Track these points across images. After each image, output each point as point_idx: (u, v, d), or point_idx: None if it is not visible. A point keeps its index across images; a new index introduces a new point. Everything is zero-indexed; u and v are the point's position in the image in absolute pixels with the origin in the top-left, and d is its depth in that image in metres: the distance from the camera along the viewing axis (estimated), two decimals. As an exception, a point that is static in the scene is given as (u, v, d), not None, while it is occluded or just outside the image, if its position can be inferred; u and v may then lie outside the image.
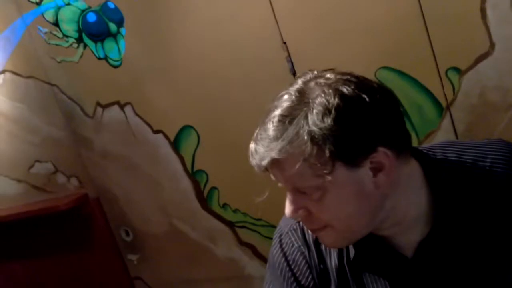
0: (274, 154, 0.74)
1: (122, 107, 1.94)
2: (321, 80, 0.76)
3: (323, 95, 0.74)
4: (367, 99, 0.74)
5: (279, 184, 0.80)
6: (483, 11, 1.33)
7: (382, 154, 0.75)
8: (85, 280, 2.28)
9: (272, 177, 0.79)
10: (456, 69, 1.41)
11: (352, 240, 0.83)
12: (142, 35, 1.81)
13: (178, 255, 2.06)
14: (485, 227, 0.80)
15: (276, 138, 0.74)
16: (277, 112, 0.76)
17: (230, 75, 1.71)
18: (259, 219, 1.85)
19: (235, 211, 1.89)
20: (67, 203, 2.07)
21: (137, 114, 1.92)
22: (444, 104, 1.45)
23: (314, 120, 0.73)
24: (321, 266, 0.89)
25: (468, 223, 0.80)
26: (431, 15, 1.38)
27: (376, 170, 0.76)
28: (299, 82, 0.78)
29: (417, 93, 1.46)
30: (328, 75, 0.78)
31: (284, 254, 0.92)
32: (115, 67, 1.89)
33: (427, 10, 1.38)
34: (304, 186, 0.76)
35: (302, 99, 0.75)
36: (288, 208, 0.80)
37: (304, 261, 0.90)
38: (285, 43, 1.59)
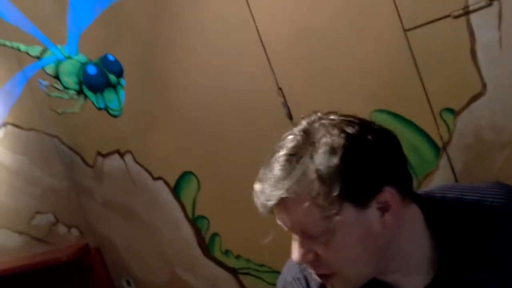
0: (281, 193, 0.73)
1: (122, 155, 1.95)
2: (326, 121, 0.77)
3: (328, 135, 0.75)
4: (372, 140, 0.75)
5: (285, 228, 0.78)
6: (473, 52, 1.36)
7: (389, 194, 0.75)
8: (87, 333, 2.23)
9: (277, 221, 0.78)
10: (451, 110, 1.42)
11: (358, 285, 0.82)
12: (141, 85, 1.84)
13: (181, 304, 2.03)
14: (490, 268, 0.80)
15: (283, 177, 0.74)
16: (283, 151, 0.76)
17: (228, 121, 1.73)
18: (262, 265, 1.83)
19: (238, 257, 1.86)
20: (68, 255, 2.04)
21: (137, 162, 1.93)
22: (440, 144, 1.46)
23: (321, 159, 0.73)
24: (325, 315, 0.87)
25: (472, 265, 0.80)
26: (421, 57, 1.41)
27: (383, 210, 0.76)
28: (304, 123, 0.79)
29: (412, 135, 1.47)
30: (332, 116, 0.79)
31: (288, 304, 0.90)
32: (115, 116, 1.91)
33: (417, 52, 1.41)
34: (312, 229, 0.75)
35: (308, 139, 0.76)
36: (296, 253, 0.78)
37: (308, 311, 0.89)
38: (280, 88, 1.62)
